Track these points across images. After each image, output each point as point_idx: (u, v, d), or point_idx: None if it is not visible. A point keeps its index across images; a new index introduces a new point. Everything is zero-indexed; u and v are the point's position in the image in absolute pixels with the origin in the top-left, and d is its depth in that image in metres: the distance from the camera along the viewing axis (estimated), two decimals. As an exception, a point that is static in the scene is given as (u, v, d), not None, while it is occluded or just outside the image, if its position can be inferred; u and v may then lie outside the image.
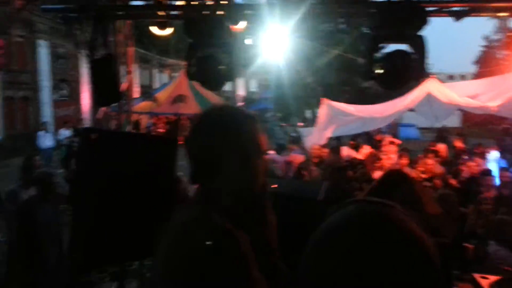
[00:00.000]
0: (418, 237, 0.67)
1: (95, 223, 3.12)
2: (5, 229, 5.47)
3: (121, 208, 3.12)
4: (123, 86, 6.83)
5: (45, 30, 22.09)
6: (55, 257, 4.46)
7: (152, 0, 5.33)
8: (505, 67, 8.32)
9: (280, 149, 10.12)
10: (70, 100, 25.03)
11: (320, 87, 21.75)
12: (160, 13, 5.72)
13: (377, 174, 7.65)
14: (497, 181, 6.57)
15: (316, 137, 10.01)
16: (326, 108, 9.82)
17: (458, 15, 5.04)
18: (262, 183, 1.39)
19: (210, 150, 1.31)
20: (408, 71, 4.42)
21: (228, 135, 1.32)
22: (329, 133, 10.22)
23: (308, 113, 31.26)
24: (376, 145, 11.67)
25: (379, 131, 14.23)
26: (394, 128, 17.75)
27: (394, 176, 2.36)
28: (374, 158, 8.49)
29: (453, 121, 21.44)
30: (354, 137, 12.31)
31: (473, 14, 5.05)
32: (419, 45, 4.39)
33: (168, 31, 5.97)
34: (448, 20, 5.20)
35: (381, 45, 4.68)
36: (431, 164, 7.92)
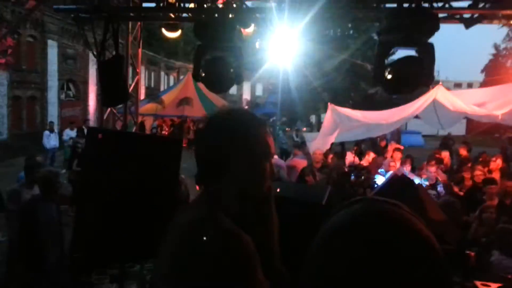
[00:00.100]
0: (425, 236, 0.65)
1: (98, 223, 3.13)
2: (6, 228, 5.49)
3: (124, 208, 3.13)
4: (131, 87, 6.86)
5: (55, 30, 22.23)
6: (56, 257, 4.45)
7: (163, 2, 5.36)
8: (513, 76, 8.29)
9: (284, 154, 10.12)
10: (77, 101, 25.15)
11: (327, 92, 21.71)
12: (171, 15, 5.75)
13: (381, 180, 7.65)
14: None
15: (320, 142, 10.01)
16: (332, 113, 9.82)
17: (468, 22, 4.99)
18: (268, 186, 1.40)
19: (217, 150, 1.32)
20: (416, 77, 4.40)
21: (236, 136, 1.33)
22: (333, 138, 10.22)
23: (313, 118, 31.20)
24: (381, 151, 11.64)
25: (384, 137, 14.20)
26: (396, 134, 17.68)
27: (399, 181, 2.36)
28: (378, 164, 8.48)
29: (458, 129, 21.37)
30: (358, 142, 12.29)
31: (484, 21, 5.00)
32: (428, 51, 4.36)
33: (178, 33, 6.00)
34: (457, 27, 5.16)
35: (392, 51, 4.65)
36: (434, 171, 7.91)
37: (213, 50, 4.95)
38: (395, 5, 4.70)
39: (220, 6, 5.21)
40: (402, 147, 10.86)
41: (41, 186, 4.61)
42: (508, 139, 15.70)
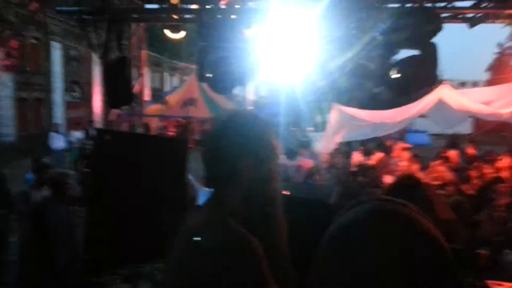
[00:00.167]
0: (433, 236, 0.65)
1: (107, 224, 3.14)
2: (16, 229, 5.51)
3: (133, 208, 3.13)
4: (136, 89, 6.88)
5: (59, 32, 22.33)
6: (66, 258, 4.47)
7: (166, 4, 5.37)
8: (518, 74, 8.25)
9: (290, 154, 10.11)
10: (82, 102, 25.24)
11: (331, 92, 21.62)
12: (174, 16, 5.76)
13: (388, 180, 7.61)
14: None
15: (326, 142, 9.98)
16: (337, 113, 9.79)
17: (472, 22, 4.98)
18: (275, 188, 1.40)
19: (223, 153, 1.33)
20: (421, 77, 4.39)
21: (242, 139, 1.33)
22: (339, 138, 10.18)
23: (318, 118, 31.07)
24: (387, 150, 11.59)
25: (390, 136, 14.14)
26: (402, 133, 17.59)
27: (407, 181, 2.34)
28: (385, 163, 8.45)
29: (465, 128, 21.22)
30: (364, 142, 12.24)
31: (487, 21, 4.99)
32: (431, 51, 4.35)
33: (181, 34, 6.01)
34: (461, 27, 5.15)
35: (395, 50, 4.65)
36: (442, 170, 7.86)
37: (216, 51, 4.96)
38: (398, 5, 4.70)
39: (223, 7, 5.22)
40: (410, 146, 10.83)
41: (50, 187, 4.62)
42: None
